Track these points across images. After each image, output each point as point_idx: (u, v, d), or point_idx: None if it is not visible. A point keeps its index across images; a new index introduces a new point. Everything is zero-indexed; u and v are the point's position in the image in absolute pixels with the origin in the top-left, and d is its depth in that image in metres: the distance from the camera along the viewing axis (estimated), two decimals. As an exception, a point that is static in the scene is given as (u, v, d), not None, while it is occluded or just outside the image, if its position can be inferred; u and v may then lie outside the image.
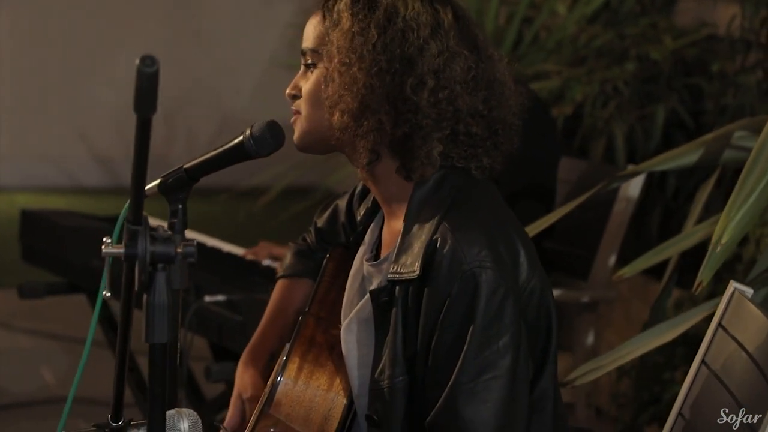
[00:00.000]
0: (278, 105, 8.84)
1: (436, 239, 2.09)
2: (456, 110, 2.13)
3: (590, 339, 3.81)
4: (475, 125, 2.15)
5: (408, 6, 2.15)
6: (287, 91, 2.28)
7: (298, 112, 2.27)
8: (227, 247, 3.73)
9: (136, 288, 1.86)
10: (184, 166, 2.21)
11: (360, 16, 2.15)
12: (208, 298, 3.28)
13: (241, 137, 2.21)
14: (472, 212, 2.13)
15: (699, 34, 4.97)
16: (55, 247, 3.79)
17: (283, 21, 8.40)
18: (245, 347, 3.16)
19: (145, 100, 1.63)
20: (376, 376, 2.15)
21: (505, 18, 5.32)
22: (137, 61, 1.60)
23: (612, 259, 3.79)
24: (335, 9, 2.19)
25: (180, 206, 2.13)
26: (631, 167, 3.49)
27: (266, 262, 3.59)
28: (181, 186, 2.18)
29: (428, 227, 2.12)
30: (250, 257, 3.64)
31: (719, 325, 2.40)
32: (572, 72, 4.97)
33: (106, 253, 1.86)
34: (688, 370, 3.94)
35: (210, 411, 3.54)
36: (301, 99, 2.25)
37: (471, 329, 2.05)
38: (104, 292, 1.92)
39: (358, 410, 2.24)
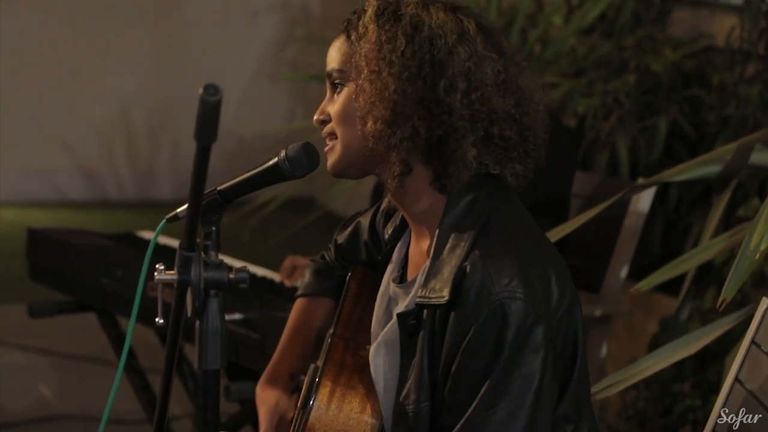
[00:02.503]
0: (263, 117, 8.81)
1: (466, 266, 2.08)
2: (490, 111, 2.13)
3: (603, 352, 3.81)
4: (509, 129, 2.14)
5: (432, 16, 2.16)
6: (315, 118, 2.26)
7: (331, 135, 2.24)
8: (239, 264, 3.71)
9: (189, 314, 1.85)
10: (218, 188, 2.20)
11: (386, 27, 2.16)
12: (225, 317, 3.26)
13: (276, 159, 2.20)
14: (503, 237, 2.11)
15: (697, 45, 4.99)
16: (62, 266, 3.76)
17: (268, 33, 8.39)
18: (263, 365, 3.16)
19: (206, 128, 1.63)
20: (401, 399, 2.14)
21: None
22: (200, 90, 1.59)
23: (624, 272, 3.79)
24: (360, 24, 2.19)
25: (213, 228, 2.12)
26: (642, 179, 3.50)
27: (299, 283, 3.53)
28: (214, 208, 2.17)
29: (458, 252, 2.10)
30: (288, 283, 3.57)
31: (752, 342, 2.40)
32: (573, 83, 4.98)
33: (159, 279, 1.85)
34: (697, 382, 3.98)
35: (225, 431, 3.52)
36: (332, 123, 2.23)
37: (496, 359, 2.03)
38: (157, 320, 1.90)
39: None
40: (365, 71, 2.15)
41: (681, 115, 4.86)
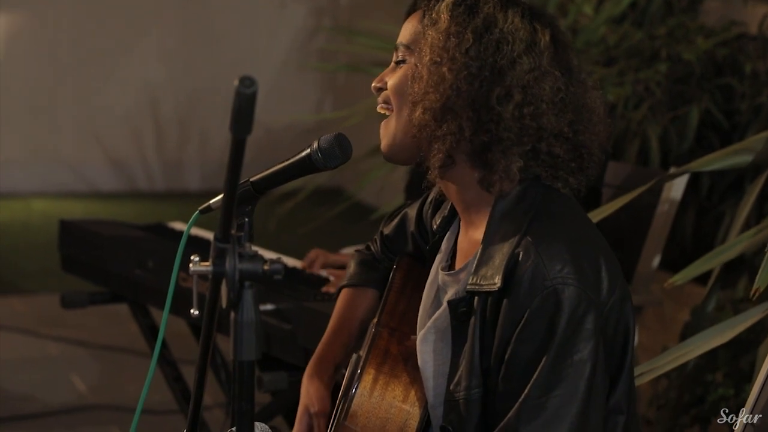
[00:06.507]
0: (291, 107, 8.80)
1: (518, 252, 2.09)
2: (539, 128, 2.13)
3: (635, 341, 3.79)
4: (558, 146, 2.14)
5: (507, 19, 2.15)
6: (373, 84, 2.29)
7: (386, 104, 2.27)
8: (269, 255, 3.70)
9: (224, 306, 1.85)
10: (251, 179, 2.20)
11: (459, 19, 2.16)
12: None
13: (309, 150, 2.21)
14: (555, 226, 2.12)
15: (729, 33, 4.95)
16: (95, 257, 3.77)
17: (295, 23, 8.39)
18: (295, 356, 3.16)
19: (242, 120, 1.63)
20: (452, 387, 2.15)
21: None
22: (236, 82, 1.59)
23: (656, 261, 3.77)
24: (435, 9, 2.21)
25: (246, 219, 2.12)
26: (673, 169, 3.48)
27: (323, 273, 3.55)
28: (247, 199, 2.18)
29: (510, 240, 2.11)
30: (307, 270, 3.59)
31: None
32: (603, 72, 4.96)
33: (193, 271, 1.85)
34: (730, 371, 3.96)
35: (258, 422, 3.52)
36: (387, 91, 2.26)
37: (549, 345, 2.04)
38: (192, 311, 1.90)
39: (432, 421, 2.24)
40: (427, 58, 2.17)
41: (713, 104, 4.83)
